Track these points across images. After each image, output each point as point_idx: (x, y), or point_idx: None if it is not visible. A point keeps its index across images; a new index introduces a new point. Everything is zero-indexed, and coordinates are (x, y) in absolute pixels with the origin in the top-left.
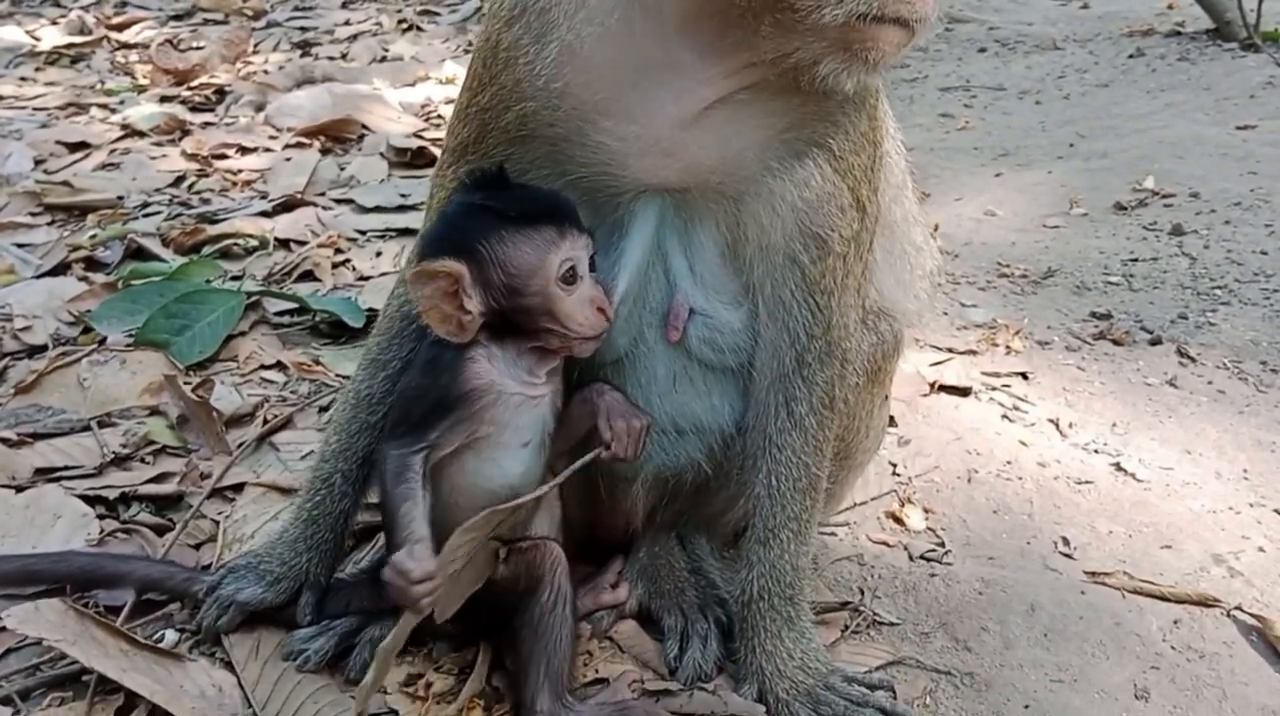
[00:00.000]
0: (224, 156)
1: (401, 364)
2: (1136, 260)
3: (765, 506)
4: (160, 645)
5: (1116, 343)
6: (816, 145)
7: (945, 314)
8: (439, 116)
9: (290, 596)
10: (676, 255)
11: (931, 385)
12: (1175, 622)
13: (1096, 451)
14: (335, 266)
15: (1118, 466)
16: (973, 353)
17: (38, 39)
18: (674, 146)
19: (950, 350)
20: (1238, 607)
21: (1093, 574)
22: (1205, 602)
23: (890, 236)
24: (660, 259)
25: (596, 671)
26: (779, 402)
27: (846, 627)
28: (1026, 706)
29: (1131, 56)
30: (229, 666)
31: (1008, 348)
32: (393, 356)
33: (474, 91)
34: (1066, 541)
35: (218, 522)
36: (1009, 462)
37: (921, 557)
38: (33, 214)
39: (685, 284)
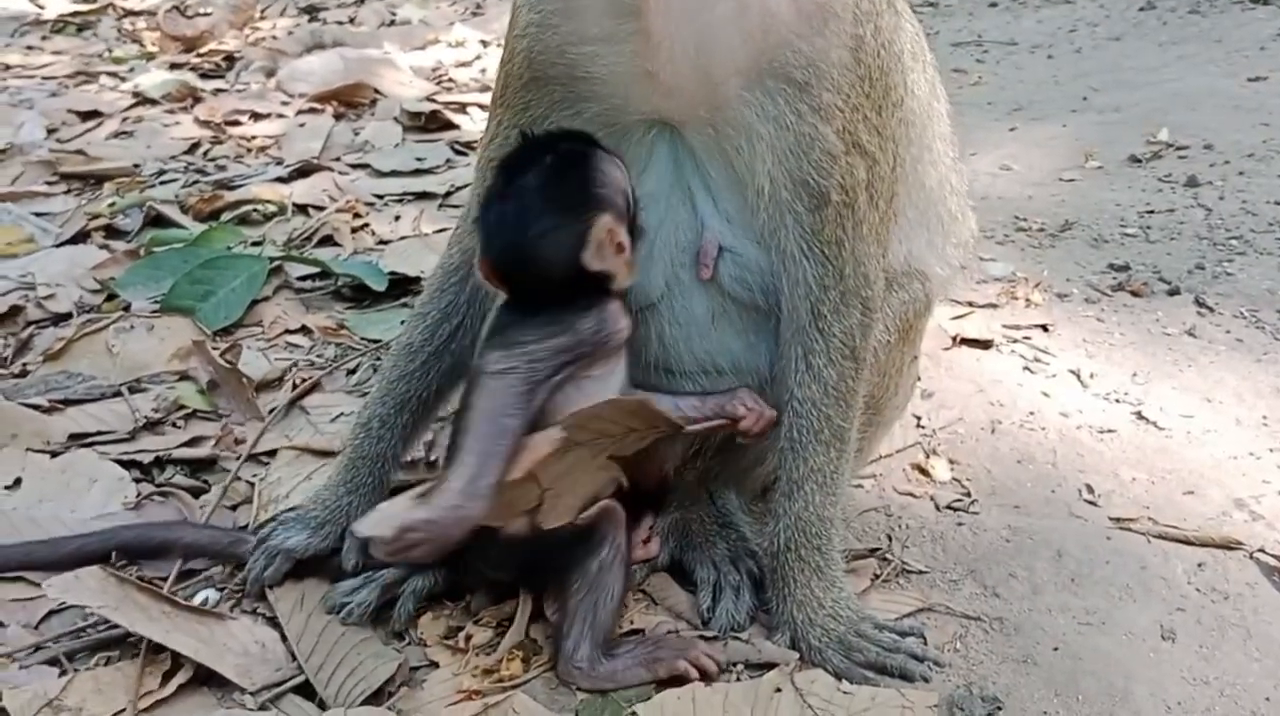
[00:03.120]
0: (237, 123)
1: (441, 315)
2: (1152, 212)
3: (789, 459)
4: (203, 606)
5: (1135, 294)
6: (786, 80)
7: (964, 268)
8: (450, 80)
9: (335, 541)
10: (700, 191)
11: (953, 338)
12: (1199, 566)
13: (1118, 401)
14: (355, 231)
15: (1139, 415)
16: (993, 306)
17: (42, 6)
18: (657, 71)
19: (971, 304)
20: (1260, 550)
21: (1117, 520)
22: (1228, 546)
23: (923, 198)
24: (685, 196)
25: (632, 622)
26: (798, 354)
27: (876, 576)
28: (1055, 649)
29: (1142, 9)
30: (273, 622)
31: (1027, 300)
32: (432, 308)
33: (503, 46)
34: (1090, 489)
35: (253, 485)
36: (1032, 413)
37: (948, 507)
38: (49, 183)
39: (712, 221)
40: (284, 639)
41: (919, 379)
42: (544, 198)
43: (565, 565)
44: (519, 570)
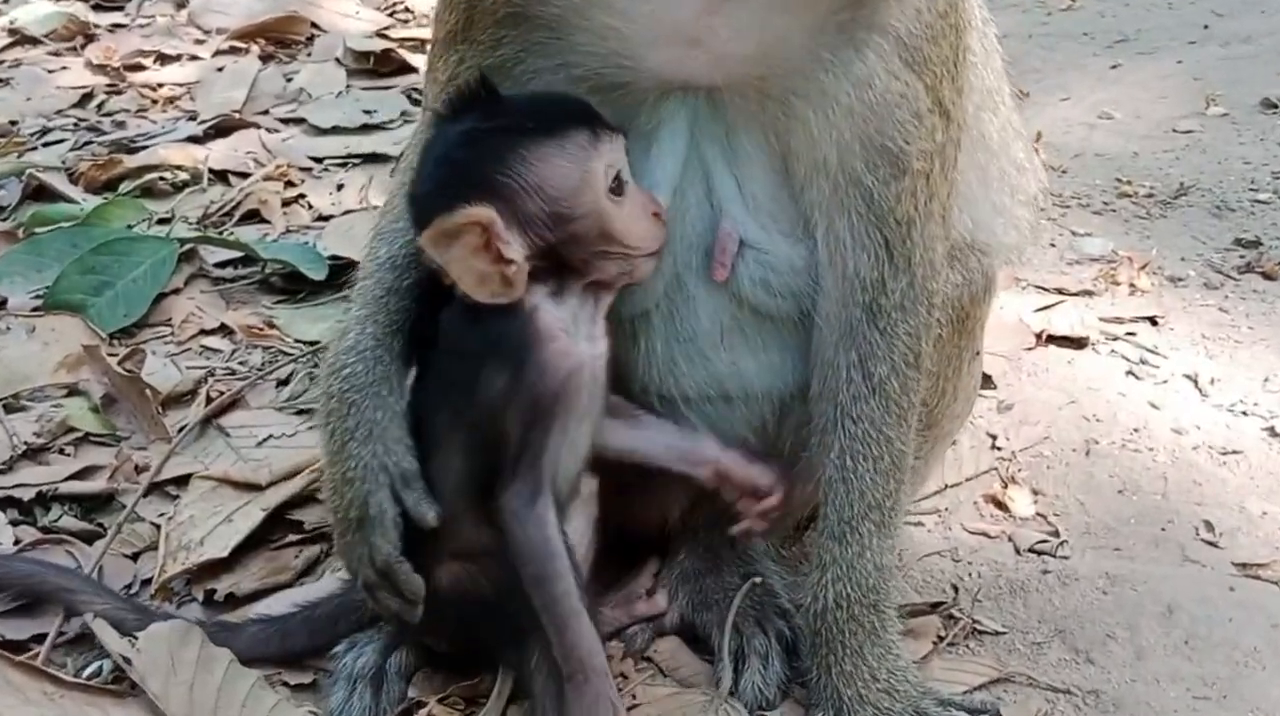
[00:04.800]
0: (140, 67)
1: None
2: None
3: (840, 493)
4: (94, 681)
5: (1267, 277)
6: (880, 31)
7: (1053, 246)
8: (406, 9)
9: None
10: (720, 172)
11: (1038, 336)
12: None
13: (1245, 413)
14: (287, 204)
15: (1272, 431)
16: (1088, 293)
17: None
18: (700, 31)
19: (1060, 291)
20: None
21: (1244, 565)
22: None
23: (985, 152)
24: (701, 177)
25: (634, 697)
26: (851, 363)
27: (941, 638)
28: None
29: None
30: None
31: (1132, 286)
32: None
33: None
34: (1210, 526)
35: (158, 526)
36: (1136, 430)
37: (1030, 551)
38: None
39: (733, 208)
40: None
41: (989, 382)
42: (436, 161)
43: (509, 632)
44: (454, 639)
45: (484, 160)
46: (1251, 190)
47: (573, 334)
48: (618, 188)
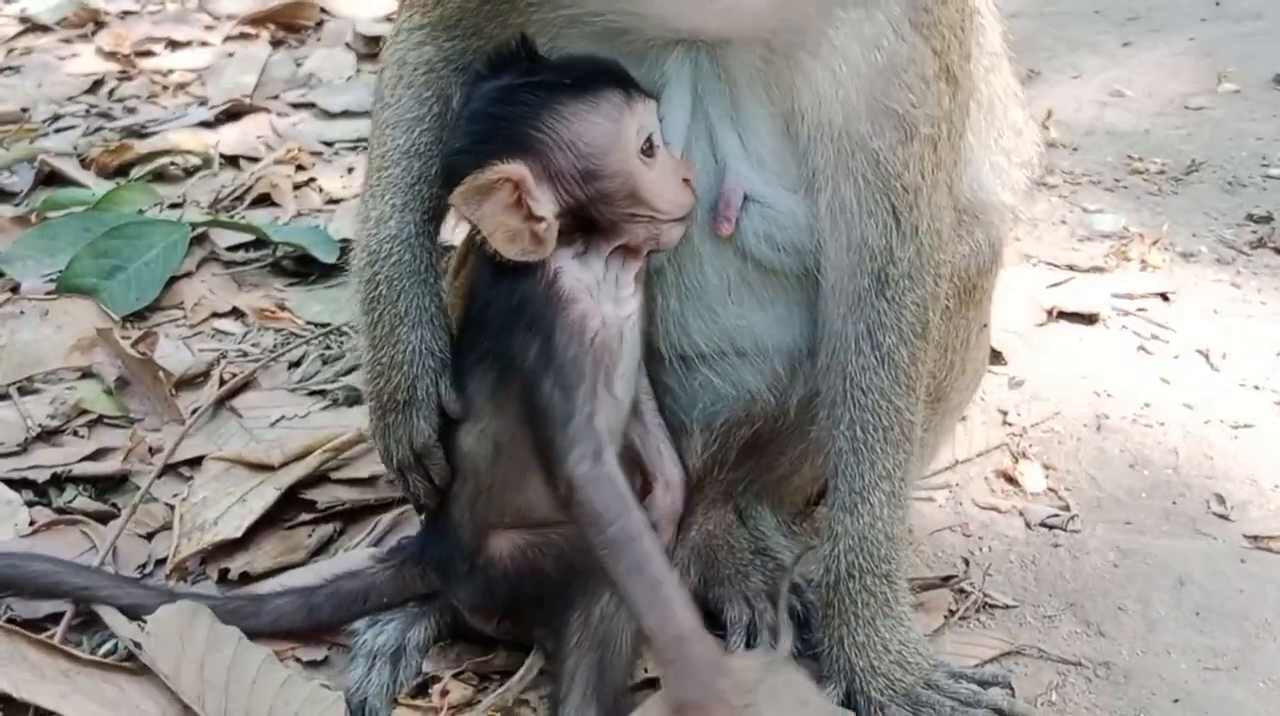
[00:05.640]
0: (150, 53)
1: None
2: None
3: (849, 464)
4: (109, 659)
5: (1279, 251)
6: None
7: (1064, 223)
8: None
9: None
10: (723, 126)
11: (1049, 312)
12: None
13: (1256, 387)
14: (297, 187)
15: None
16: (1099, 270)
17: None
18: None
19: (1071, 267)
20: None
21: (1255, 538)
22: None
23: (989, 116)
24: (705, 133)
25: (645, 671)
26: (860, 333)
27: (952, 612)
28: (1176, 701)
29: None
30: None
31: (1143, 262)
32: (427, 111)
33: None
34: (1221, 499)
35: (172, 507)
36: (1147, 405)
37: (1042, 525)
38: None
39: (737, 163)
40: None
41: (1000, 358)
42: (471, 117)
43: (559, 609)
44: (503, 610)
45: (518, 115)
46: (1263, 166)
47: (597, 296)
48: (649, 149)
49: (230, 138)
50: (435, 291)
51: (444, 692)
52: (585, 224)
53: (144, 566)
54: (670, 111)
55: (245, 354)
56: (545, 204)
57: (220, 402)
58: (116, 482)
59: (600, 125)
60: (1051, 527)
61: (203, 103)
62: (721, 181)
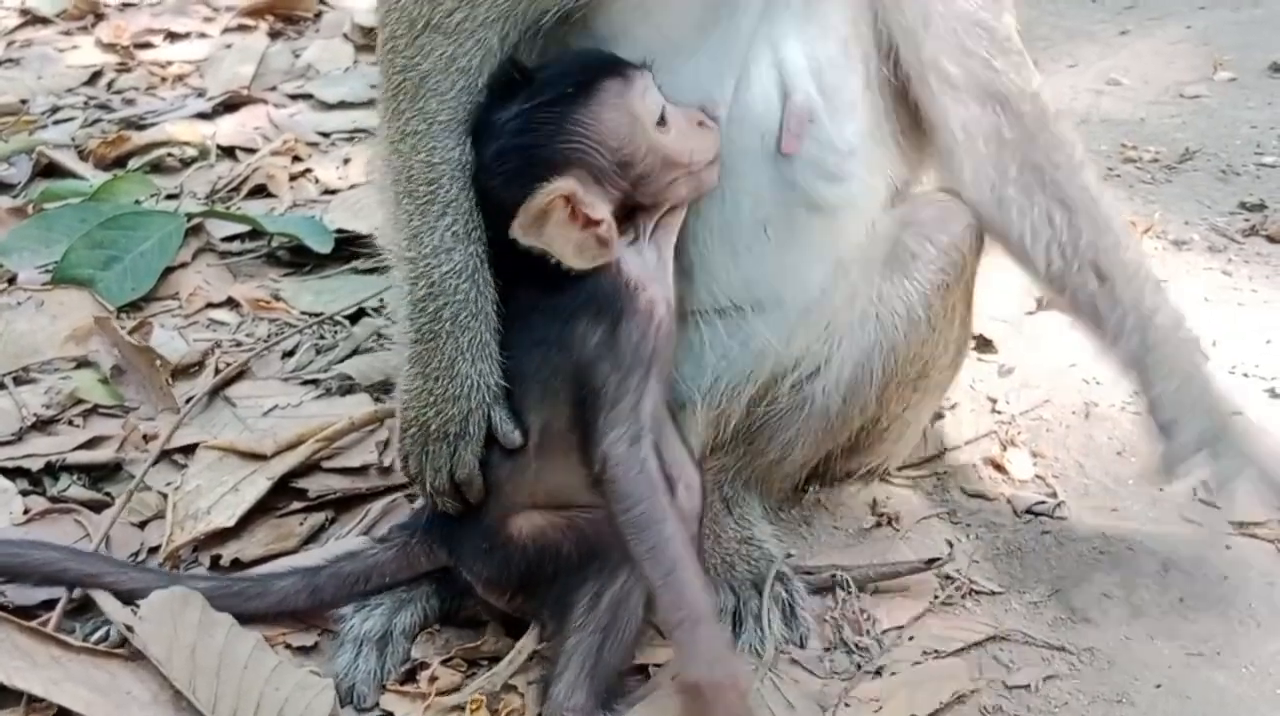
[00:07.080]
0: (149, 45)
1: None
2: None
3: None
4: (101, 646)
5: (1271, 239)
6: None
7: None
8: None
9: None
10: (789, 41)
11: (1039, 301)
12: None
13: (1246, 375)
14: (294, 178)
15: (1272, 392)
16: None
17: None
18: None
19: None
20: None
21: (1240, 525)
22: None
23: None
24: (769, 47)
25: (634, 656)
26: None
27: (937, 597)
28: (1158, 686)
29: None
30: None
31: None
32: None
33: None
34: (1207, 486)
35: (166, 495)
36: (1136, 393)
37: (1029, 512)
38: None
39: (801, 80)
40: None
41: (989, 346)
42: (498, 155)
43: (570, 588)
44: (516, 587)
45: (545, 137)
46: (1257, 154)
47: (653, 279)
48: (662, 119)
49: (227, 129)
50: (495, 325)
51: (432, 679)
52: (628, 211)
53: (137, 554)
54: (733, 26)
55: (239, 344)
56: (599, 206)
57: (214, 392)
58: (111, 471)
59: (616, 117)
60: (1038, 515)
61: (201, 94)
62: (786, 102)
